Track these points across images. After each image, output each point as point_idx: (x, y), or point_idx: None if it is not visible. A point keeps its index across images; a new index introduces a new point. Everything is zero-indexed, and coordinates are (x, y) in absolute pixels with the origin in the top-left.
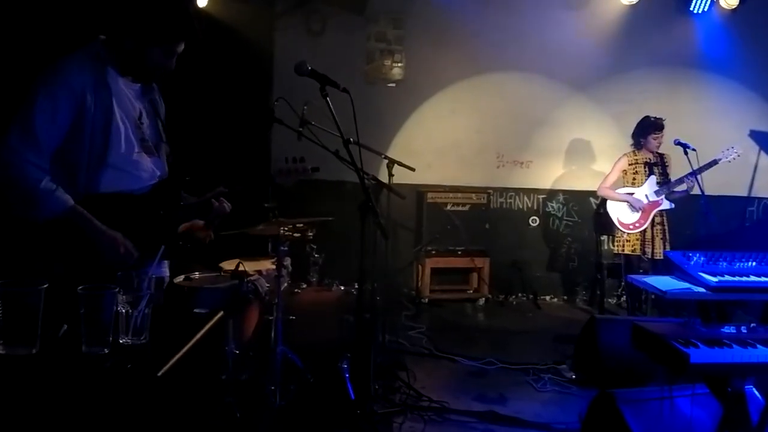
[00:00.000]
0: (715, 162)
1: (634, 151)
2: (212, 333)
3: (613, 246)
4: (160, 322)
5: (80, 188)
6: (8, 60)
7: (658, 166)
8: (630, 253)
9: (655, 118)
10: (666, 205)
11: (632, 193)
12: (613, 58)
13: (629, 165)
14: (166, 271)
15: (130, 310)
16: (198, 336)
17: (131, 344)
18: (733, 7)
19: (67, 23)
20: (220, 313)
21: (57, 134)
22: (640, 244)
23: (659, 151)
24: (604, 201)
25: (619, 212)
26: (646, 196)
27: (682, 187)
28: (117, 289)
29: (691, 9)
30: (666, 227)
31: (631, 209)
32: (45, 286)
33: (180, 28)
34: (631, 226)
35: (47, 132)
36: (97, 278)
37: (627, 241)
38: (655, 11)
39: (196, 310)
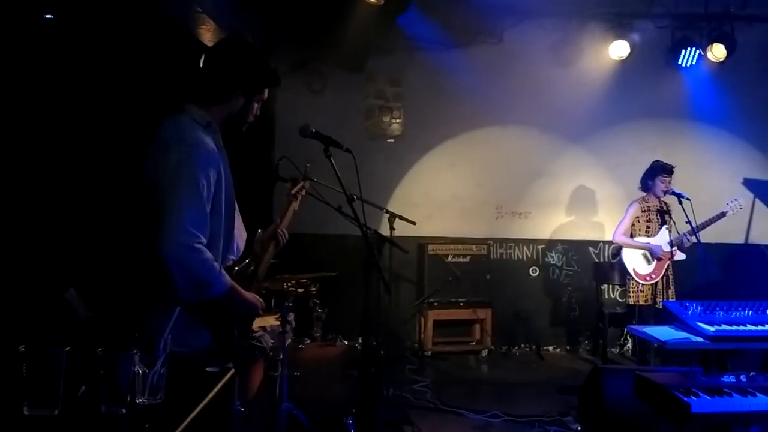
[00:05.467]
0: (723, 214)
1: (644, 197)
2: (224, 390)
3: (626, 296)
4: (173, 380)
5: (219, 262)
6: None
7: (668, 214)
8: (643, 303)
9: (664, 163)
10: (680, 255)
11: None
12: (607, 111)
13: (642, 212)
14: None
15: (147, 370)
16: (212, 394)
17: (147, 404)
18: (721, 60)
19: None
20: (232, 371)
21: (207, 211)
22: (652, 294)
23: (664, 200)
24: (619, 249)
25: (635, 262)
26: (661, 247)
27: (692, 239)
28: (134, 351)
29: (680, 63)
30: (673, 276)
31: (646, 260)
32: (67, 348)
33: (272, 74)
34: (647, 277)
35: (206, 212)
36: None
37: (641, 291)
38: (645, 66)
39: (208, 369)
